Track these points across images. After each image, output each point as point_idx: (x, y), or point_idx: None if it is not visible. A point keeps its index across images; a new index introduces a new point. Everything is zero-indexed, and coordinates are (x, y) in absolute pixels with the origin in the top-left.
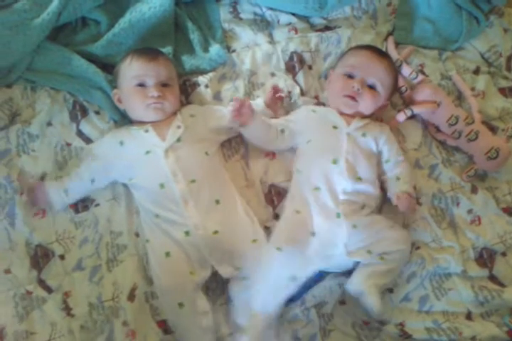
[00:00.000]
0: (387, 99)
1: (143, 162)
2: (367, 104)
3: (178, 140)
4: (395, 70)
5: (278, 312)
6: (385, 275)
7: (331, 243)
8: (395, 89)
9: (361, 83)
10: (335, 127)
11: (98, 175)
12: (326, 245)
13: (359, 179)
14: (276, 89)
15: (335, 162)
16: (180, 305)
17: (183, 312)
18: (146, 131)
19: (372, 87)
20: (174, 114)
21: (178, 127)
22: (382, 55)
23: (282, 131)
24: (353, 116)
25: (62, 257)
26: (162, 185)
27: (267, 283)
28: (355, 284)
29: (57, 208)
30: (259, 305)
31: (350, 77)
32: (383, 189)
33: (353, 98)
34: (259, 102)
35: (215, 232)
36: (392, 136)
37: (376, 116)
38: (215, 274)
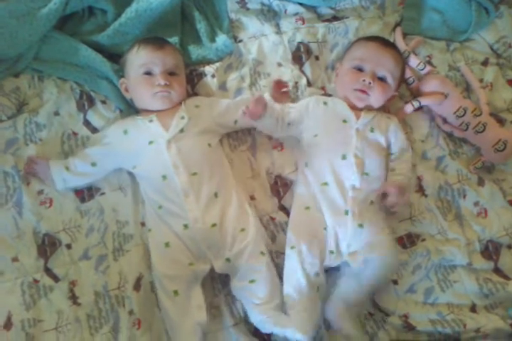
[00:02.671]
0: (396, 90)
1: (146, 152)
2: (378, 97)
3: (182, 130)
4: (402, 60)
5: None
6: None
7: (337, 239)
8: (403, 79)
9: (372, 76)
10: (344, 121)
11: (101, 159)
12: (334, 241)
13: (367, 174)
14: (279, 84)
15: (344, 157)
16: (176, 292)
17: (177, 301)
18: (151, 120)
19: (382, 79)
20: (179, 104)
21: (182, 117)
22: (390, 45)
23: (289, 124)
24: (361, 108)
25: (68, 246)
26: (165, 177)
27: (290, 281)
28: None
29: (58, 186)
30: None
31: (360, 70)
32: None
33: (364, 92)
34: (265, 97)
35: (213, 225)
36: (400, 127)
37: (384, 107)
38: None
